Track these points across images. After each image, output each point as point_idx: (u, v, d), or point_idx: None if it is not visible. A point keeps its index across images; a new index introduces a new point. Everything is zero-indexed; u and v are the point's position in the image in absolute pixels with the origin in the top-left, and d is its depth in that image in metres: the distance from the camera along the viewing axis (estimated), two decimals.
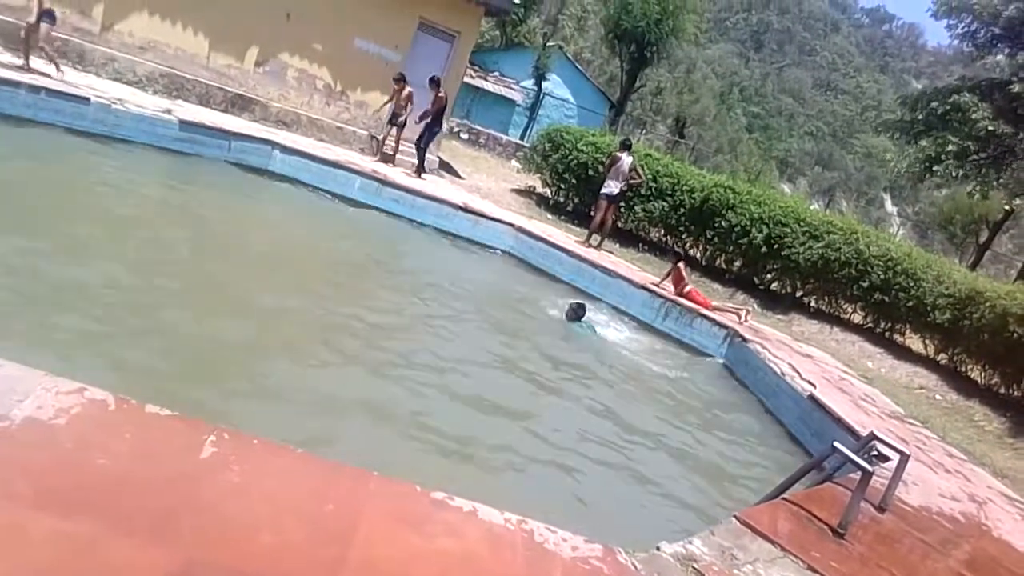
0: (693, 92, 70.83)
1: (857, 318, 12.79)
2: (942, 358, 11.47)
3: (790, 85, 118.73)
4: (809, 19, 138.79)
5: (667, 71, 61.36)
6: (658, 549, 3.02)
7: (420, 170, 13.09)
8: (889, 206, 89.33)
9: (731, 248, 13.47)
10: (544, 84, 33.39)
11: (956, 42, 23.50)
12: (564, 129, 15.98)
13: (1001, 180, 21.77)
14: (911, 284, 11.53)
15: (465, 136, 23.91)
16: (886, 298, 11.77)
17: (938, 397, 10.04)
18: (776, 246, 12.78)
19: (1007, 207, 22.84)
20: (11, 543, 1.86)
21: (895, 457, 4.65)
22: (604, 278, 10.72)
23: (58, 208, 6.60)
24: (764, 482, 5.56)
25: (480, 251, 11.41)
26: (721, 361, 9.45)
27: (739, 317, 10.15)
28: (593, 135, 15.45)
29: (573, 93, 34.38)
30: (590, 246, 12.26)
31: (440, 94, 12.95)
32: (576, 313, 8.51)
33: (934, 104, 22.06)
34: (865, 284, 11.92)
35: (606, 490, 4.92)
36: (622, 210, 13.85)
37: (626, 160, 12.65)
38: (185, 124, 9.96)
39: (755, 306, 12.19)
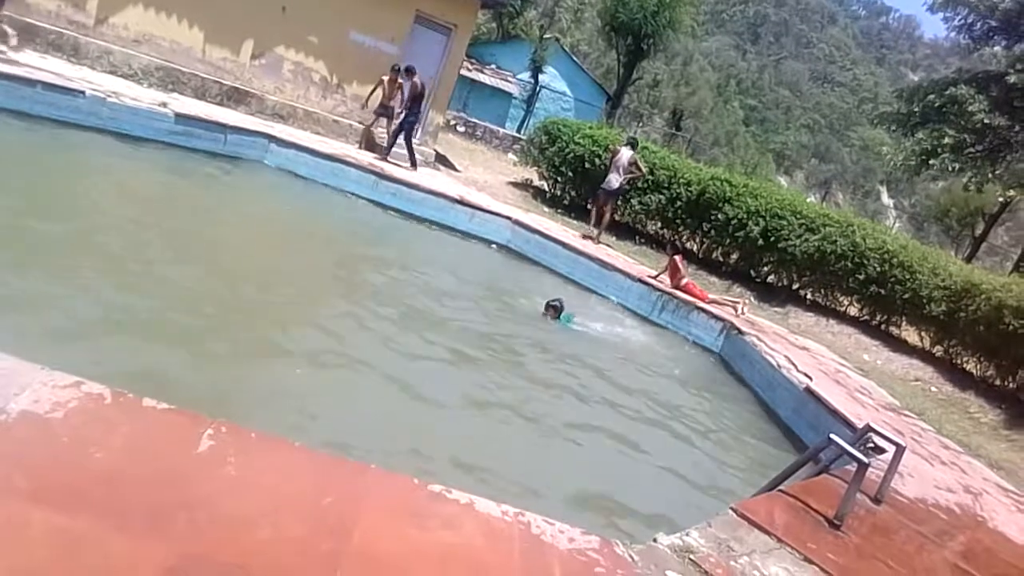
0: (690, 85, 70.78)
1: (853, 310, 12.82)
2: (938, 350, 11.51)
3: (787, 77, 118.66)
4: (806, 11, 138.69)
5: (664, 63, 61.22)
6: (655, 541, 3.03)
7: (413, 162, 13.03)
8: (885, 198, 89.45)
9: (728, 241, 13.48)
10: (541, 77, 33.33)
11: (953, 34, 23.54)
12: (561, 122, 15.96)
13: (997, 173, 21.81)
14: (907, 276, 11.55)
15: (462, 129, 23.87)
16: (882, 291, 11.80)
17: (934, 389, 10.08)
18: (772, 239, 12.79)
19: (1002, 200, 22.87)
20: (7, 537, 1.85)
21: (891, 449, 4.67)
22: (601, 271, 10.72)
23: (51, 201, 6.57)
24: (755, 473, 5.59)
25: (477, 244, 11.39)
26: (717, 353, 9.47)
27: (735, 310, 10.16)
28: (590, 128, 15.43)
29: (570, 86, 34.33)
30: (588, 238, 12.29)
31: (415, 80, 12.89)
32: (556, 312, 8.20)
33: (931, 97, 22.07)
34: (861, 276, 11.95)
35: (596, 481, 4.93)
36: (619, 203, 13.86)
37: (625, 153, 12.71)
38: (181, 117, 9.92)
39: (751, 299, 12.20)
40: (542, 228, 11.70)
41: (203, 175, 9.40)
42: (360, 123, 13.91)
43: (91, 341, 4.27)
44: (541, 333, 7.75)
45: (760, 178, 19.10)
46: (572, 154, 14.76)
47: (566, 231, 12.49)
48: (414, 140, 13.36)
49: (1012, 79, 19.93)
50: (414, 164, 13.03)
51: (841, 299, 12.87)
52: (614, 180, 12.70)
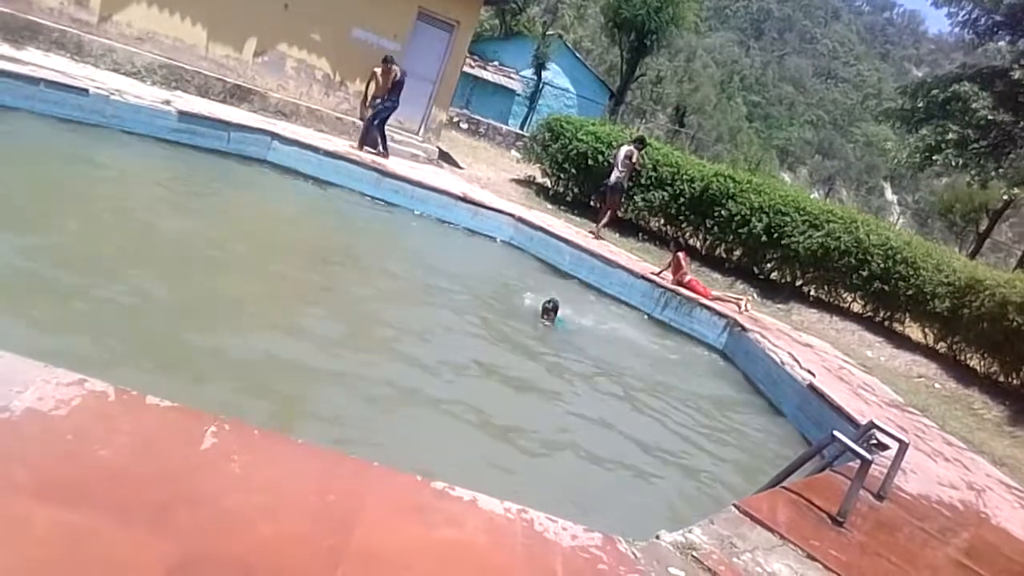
0: (693, 81, 70.71)
1: (857, 307, 12.79)
2: (941, 347, 11.49)
3: (790, 73, 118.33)
4: (809, 7, 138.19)
5: (667, 60, 61.22)
6: (657, 538, 3.04)
7: (384, 150, 12.97)
8: (889, 195, 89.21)
9: (731, 237, 13.46)
10: (544, 73, 33.29)
11: (957, 30, 23.44)
12: (564, 119, 15.94)
13: (1000, 169, 21.74)
14: (911, 273, 11.52)
15: (465, 126, 23.86)
16: (886, 287, 11.77)
17: (937, 386, 10.06)
18: (776, 235, 12.77)
19: (1006, 197, 22.81)
20: (12, 534, 1.86)
21: (894, 446, 4.67)
22: (604, 268, 10.72)
23: (53, 198, 6.58)
24: (756, 470, 5.59)
25: (480, 241, 11.39)
26: (720, 350, 9.46)
27: (739, 307, 10.15)
28: (593, 124, 15.41)
29: (573, 82, 34.28)
30: (592, 234, 12.39)
31: (390, 68, 12.89)
32: (551, 314, 7.87)
33: (934, 92, 22.02)
34: (865, 273, 11.92)
35: (600, 483, 4.93)
36: (622, 199, 13.88)
37: (623, 149, 12.96)
38: (184, 115, 9.93)
39: (755, 295, 12.20)
40: (545, 225, 11.69)
41: (203, 173, 9.40)
42: (362, 120, 13.89)
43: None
44: (537, 333, 7.70)
45: (763, 174, 19.05)
46: (575, 151, 14.74)
47: (569, 228, 12.49)
48: (417, 136, 13.31)
49: (1016, 75, 19.87)
50: (386, 152, 12.94)
51: (844, 296, 12.84)
52: (612, 176, 13.03)
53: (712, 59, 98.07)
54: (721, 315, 9.67)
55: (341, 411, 4.54)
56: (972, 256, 22.17)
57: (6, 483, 2.02)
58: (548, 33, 36.25)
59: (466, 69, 24.81)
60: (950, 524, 4.59)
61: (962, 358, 11.10)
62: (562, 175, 15.66)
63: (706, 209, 13.62)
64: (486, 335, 7.02)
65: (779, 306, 12.32)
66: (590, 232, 12.49)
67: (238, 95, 12.84)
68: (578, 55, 36.87)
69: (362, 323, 6.35)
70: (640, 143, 13.51)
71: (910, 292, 11.51)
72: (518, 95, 32.76)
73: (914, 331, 12.19)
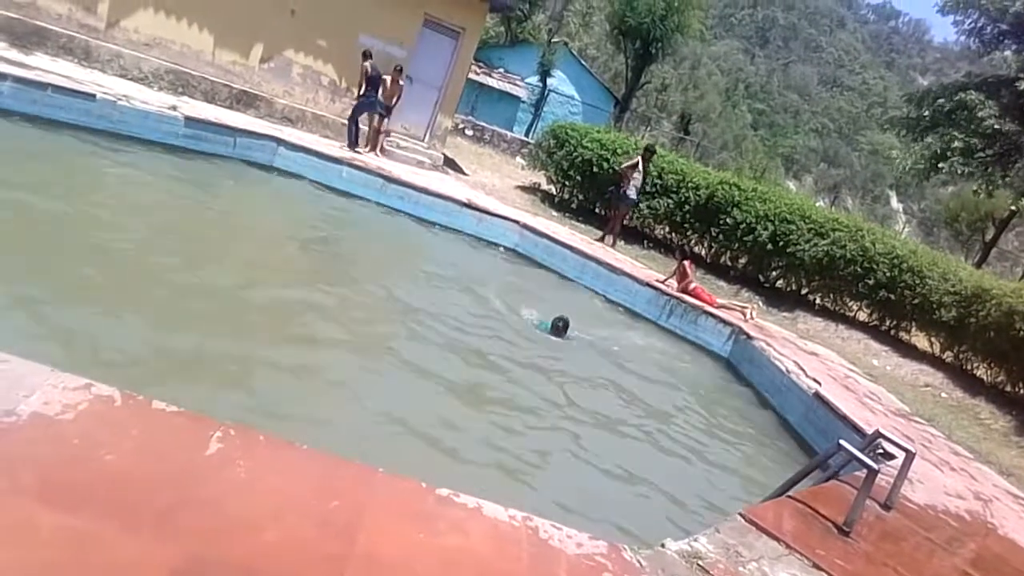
0: (698, 88, 70.75)
1: (862, 316, 12.76)
2: (948, 356, 11.44)
3: (796, 81, 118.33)
4: (815, 15, 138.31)
5: (672, 67, 61.25)
6: (663, 546, 3.02)
7: (356, 144, 13.04)
8: (895, 203, 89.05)
9: (736, 245, 13.44)
10: (549, 80, 33.32)
11: (963, 38, 23.40)
12: (569, 126, 15.95)
13: (1007, 178, 21.70)
14: (917, 282, 11.49)
15: (470, 133, 23.90)
16: (892, 296, 11.74)
17: (944, 395, 10.02)
18: (781, 243, 12.75)
19: (1013, 206, 22.75)
20: (18, 538, 1.86)
21: (900, 455, 4.64)
22: (609, 275, 10.71)
23: (60, 204, 6.61)
24: (762, 478, 5.57)
25: (485, 248, 11.38)
26: (726, 358, 9.44)
27: (744, 315, 10.13)
28: (598, 132, 15.42)
29: (578, 90, 34.30)
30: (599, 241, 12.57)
31: (366, 65, 12.97)
32: (561, 331, 7.66)
33: (940, 101, 21.99)
34: (871, 282, 11.89)
35: (606, 488, 4.92)
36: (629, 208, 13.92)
37: (627, 161, 13.29)
38: (190, 120, 9.97)
39: (760, 303, 12.16)
40: (550, 232, 11.69)
41: (210, 179, 9.42)
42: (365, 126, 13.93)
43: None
44: (543, 348, 7.63)
45: (769, 182, 19.06)
46: (580, 158, 14.75)
47: (574, 235, 12.49)
48: (423, 142, 13.34)
49: (1022, 85, 19.83)
50: (353, 144, 12.99)
51: (850, 304, 12.80)
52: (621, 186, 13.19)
53: (717, 67, 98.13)
54: (726, 323, 9.65)
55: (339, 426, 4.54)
56: (978, 265, 22.11)
57: (12, 487, 2.02)
58: (553, 40, 36.31)
59: (471, 76, 24.87)
60: (957, 534, 4.56)
61: (969, 367, 11.06)
62: (567, 182, 15.66)
63: (711, 217, 13.60)
64: (491, 350, 7.01)
65: (784, 314, 12.29)
66: (598, 240, 12.70)
67: (244, 101, 12.89)
68: (583, 62, 36.91)
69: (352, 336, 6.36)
70: (648, 152, 13.49)
71: (916, 301, 11.48)
72: (523, 102, 32.80)
73: (920, 340, 12.15)
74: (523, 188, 16.81)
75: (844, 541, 3.72)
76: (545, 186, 16.79)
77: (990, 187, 22.13)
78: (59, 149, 8.02)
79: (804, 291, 13.22)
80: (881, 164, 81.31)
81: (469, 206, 11.69)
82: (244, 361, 4.82)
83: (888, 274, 11.72)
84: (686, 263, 10.60)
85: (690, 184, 13.84)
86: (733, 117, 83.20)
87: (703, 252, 14.26)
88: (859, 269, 11.99)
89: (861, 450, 4.09)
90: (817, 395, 7.19)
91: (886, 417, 7.24)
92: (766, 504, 4.09)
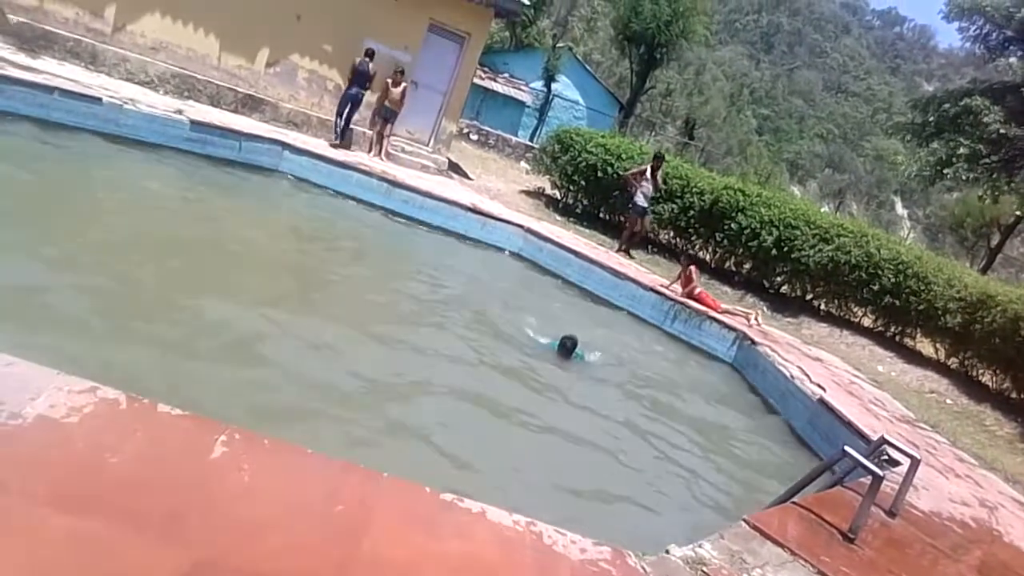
0: (703, 94, 70.69)
1: (867, 321, 12.73)
2: (953, 362, 11.41)
3: (800, 87, 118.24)
4: (820, 21, 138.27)
5: (677, 73, 61.25)
6: (667, 552, 3.02)
7: (341, 138, 13.05)
8: (900, 209, 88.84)
9: (741, 250, 13.43)
10: (554, 86, 33.38)
11: (968, 44, 23.41)
12: (573, 131, 15.96)
13: (1012, 184, 21.67)
14: (922, 287, 11.46)
15: (474, 137, 23.92)
16: (897, 301, 11.71)
17: (949, 401, 9.99)
18: (786, 249, 12.73)
19: (1018, 212, 22.71)
20: (24, 540, 1.87)
21: (905, 462, 4.63)
22: (613, 280, 10.70)
23: (67, 207, 6.63)
24: (766, 484, 5.55)
25: (489, 252, 11.38)
26: (730, 363, 9.42)
27: (748, 320, 10.12)
28: (603, 137, 15.43)
29: (583, 95, 34.35)
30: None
31: (356, 59, 13.14)
32: (570, 349, 7.23)
33: (945, 107, 21.97)
34: (875, 287, 11.86)
35: (605, 492, 4.91)
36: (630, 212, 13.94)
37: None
38: (196, 124, 10.00)
39: (764, 309, 12.15)
40: (554, 237, 11.69)
41: (217, 182, 9.45)
42: (371, 130, 13.95)
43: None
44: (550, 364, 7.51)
45: (773, 188, 19.03)
46: (584, 163, 14.75)
47: (578, 240, 12.49)
48: (427, 147, 13.35)
49: None
50: (339, 139, 13.03)
51: (855, 310, 12.77)
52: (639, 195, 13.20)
53: (722, 72, 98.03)
54: (731, 328, 9.63)
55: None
56: (983, 271, 22.06)
57: (19, 490, 2.02)
58: (558, 45, 36.38)
59: (476, 81, 24.88)
60: (962, 541, 4.54)
61: (974, 374, 11.02)
62: (571, 187, 15.67)
63: (716, 222, 13.59)
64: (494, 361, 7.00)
65: (789, 320, 12.27)
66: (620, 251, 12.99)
67: (250, 105, 12.92)
68: (588, 67, 36.97)
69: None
70: (657, 159, 13.42)
71: (921, 307, 11.45)
72: (528, 107, 32.85)
73: (925, 346, 12.12)
74: (527, 193, 16.82)
75: (849, 548, 3.71)
76: (549, 191, 16.80)
77: (995, 193, 22.10)
78: (65, 152, 8.04)
79: (809, 297, 13.20)
80: (886, 170, 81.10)
81: (473, 210, 11.70)
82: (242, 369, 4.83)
83: (893, 280, 11.69)
84: (692, 268, 10.59)
85: (694, 189, 13.83)
86: (738, 122, 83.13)
87: (707, 257, 14.25)
88: (864, 275, 11.97)
89: (866, 456, 4.08)
90: (822, 401, 7.17)
91: (891, 423, 7.22)
92: (770, 510, 4.08)
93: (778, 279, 13.53)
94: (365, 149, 13.51)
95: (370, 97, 13.55)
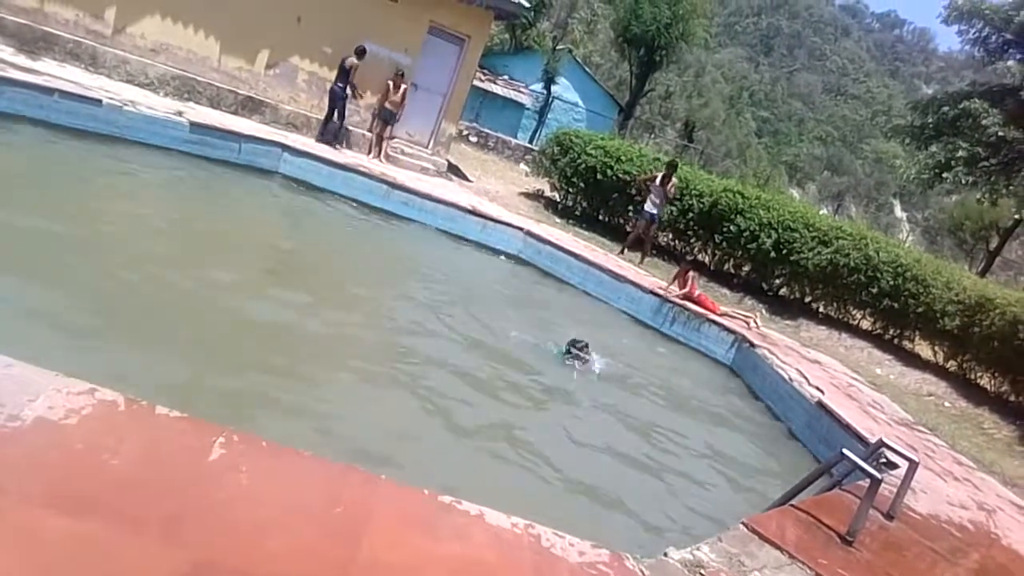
0: (702, 96, 70.65)
1: (866, 324, 12.74)
2: (951, 365, 11.42)
3: (800, 89, 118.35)
4: (819, 23, 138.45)
5: (676, 75, 61.19)
6: (665, 555, 3.02)
7: (321, 135, 13.04)
8: (899, 211, 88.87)
9: (740, 253, 13.44)
10: (553, 88, 33.39)
11: (967, 47, 23.36)
12: (573, 133, 15.99)
13: (1011, 187, 21.68)
14: (920, 290, 11.47)
15: (474, 139, 23.95)
16: (895, 304, 11.72)
17: (947, 404, 9.99)
18: (785, 251, 12.74)
19: (1017, 215, 22.73)
20: (22, 542, 1.87)
21: (904, 464, 4.64)
22: (613, 282, 10.70)
23: (64, 207, 6.63)
24: (764, 487, 5.55)
25: (488, 255, 11.38)
26: (729, 366, 9.42)
27: (747, 323, 10.12)
28: (602, 139, 15.45)
29: (582, 97, 34.36)
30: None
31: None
32: (580, 355, 7.08)
33: (944, 109, 21.97)
34: (874, 290, 11.88)
35: (602, 496, 4.91)
36: (629, 214, 13.96)
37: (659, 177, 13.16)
38: (195, 126, 10.00)
39: (763, 311, 12.15)
40: (554, 239, 11.69)
41: (215, 184, 9.45)
42: (371, 132, 13.96)
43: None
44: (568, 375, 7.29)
45: (772, 190, 19.04)
46: (584, 165, 14.77)
47: (578, 242, 12.49)
48: (427, 149, 13.35)
49: None
50: (322, 135, 13.02)
51: (854, 312, 12.79)
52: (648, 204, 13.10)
53: (721, 75, 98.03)
54: (729, 331, 9.64)
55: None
56: (982, 274, 22.09)
57: (18, 492, 2.03)
58: (558, 48, 36.37)
59: (476, 83, 24.90)
60: (960, 545, 4.54)
61: (972, 377, 11.04)
62: (571, 189, 15.69)
63: (715, 224, 13.60)
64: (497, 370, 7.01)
65: (788, 322, 12.28)
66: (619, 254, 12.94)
67: (250, 107, 12.93)
68: (587, 70, 36.97)
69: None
70: (670, 167, 13.24)
71: (920, 310, 11.46)
72: (527, 109, 32.86)
73: (924, 349, 12.13)
74: (527, 195, 16.84)
75: (847, 551, 3.71)
76: (549, 193, 16.82)
77: (994, 196, 22.12)
78: (64, 154, 8.05)
79: (807, 299, 13.22)
80: (885, 172, 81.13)
81: (473, 212, 11.70)
82: (238, 377, 4.83)
83: (892, 283, 11.70)
84: (690, 272, 10.57)
85: (694, 192, 13.84)
86: (737, 125, 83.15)
87: (707, 260, 14.26)
88: (863, 278, 11.98)
89: (864, 459, 4.09)
90: (820, 404, 7.18)
91: (889, 426, 7.23)
92: (769, 513, 4.08)
93: (777, 281, 13.55)
94: (364, 151, 13.51)
95: (371, 99, 13.56)
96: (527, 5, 16.82)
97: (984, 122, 20.56)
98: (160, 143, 9.55)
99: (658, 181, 12.91)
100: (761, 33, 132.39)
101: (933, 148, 22.62)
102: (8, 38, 10.63)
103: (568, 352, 7.13)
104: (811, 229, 12.73)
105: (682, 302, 10.19)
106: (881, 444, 4.74)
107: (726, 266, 14.05)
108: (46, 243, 5.47)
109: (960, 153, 21.18)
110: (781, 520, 3.85)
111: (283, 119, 13.28)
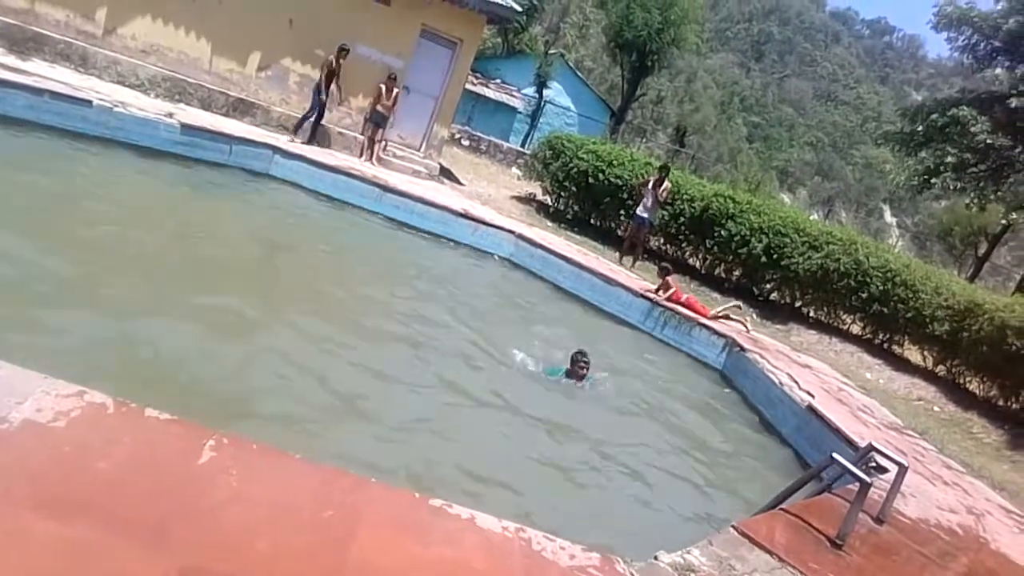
0: (694, 101, 71.01)
1: (856, 329, 12.79)
2: (941, 370, 11.47)
3: (790, 95, 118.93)
4: (810, 30, 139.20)
5: (668, 80, 61.56)
6: (656, 559, 3.02)
7: (298, 130, 12.96)
8: (888, 217, 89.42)
9: (730, 257, 13.48)
10: (545, 92, 33.45)
11: (956, 54, 23.58)
12: (565, 137, 16.02)
13: (999, 193, 21.87)
14: (910, 295, 11.52)
15: (466, 143, 23.95)
16: (885, 309, 11.77)
17: (936, 409, 10.04)
18: (775, 256, 12.79)
19: (1005, 221, 22.90)
20: (9, 547, 1.85)
21: (893, 468, 4.65)
22: (604, 286, 10.71)
23: (55, 210, 6.60)
24: (753, 491, 5.56)
25: (480, 258, 11.37)
26: (719, 370, 9.44)
27: (745, 326, 10.17)
28: (594, 143, 15.48)
29: (574, 101, 34.44)
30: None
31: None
32: (582, 368, 6.73)
33: (934, 116, 22.13)
34: (864, 295, 11.92)
35: (598, 500, 4.91)
36: (621, 218, 13.95)
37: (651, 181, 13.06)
38: (186, 128, 9.97)
39: (754, 316, 12.18)
40: (545, 242, 11.70)
41: (205, 186, 9.40)
42: (363, 135, 13.95)
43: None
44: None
45: (763, 195, 19.14)
46: (576, 169, 14.80)
47: (569, 246, 12.49)
48: (419, 152, 13.34)
49: (1015, 102, 20.00)
50: (296, 131, 12.94)
51: (844, 317, 12.83)
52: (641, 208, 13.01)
53: (713, 80, 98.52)
54: (720, 335, 9.66)
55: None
56: (971, 279, 22.22)
57: (5, 495, 2.01)
58: (550, 52, 36.43)
59: (468, 86, 24.93)
60: (949, 548, 4.56)
61: (961, 381, 11.09)
62: (563, 193, 15.71)
63: (706, 229, 13.64)
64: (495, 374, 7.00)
65: (778, 327, 12.32)
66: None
67: (241, 109, 12.91)
68: (579, 74, 37.07)
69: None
70: (661, 171, 13.16)
71: (909, 315, 11.51)
72: (519, 113, 32.90)
73: (913, 354, 12.18)
74: (519, 199, 16.85)
75: (837, 554, 3.72)
76: (541, 197, 16.84)
77: (983, 201, 22.32)
78: (54, 155, 8.00)
79: (798, 304, 13.26)
80: (875, 178, 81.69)
81: (465, 216, 11.70)
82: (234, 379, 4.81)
83: (881, 288, 11.75)
84: (669, 278, 10.56)
85: (685, 196, 13.88)
86: (728, 130, 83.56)
87: (697, 264, 14.30)
88: (853, 282, 12.03)
89: (854, 463, 4.10)
90: (810, 408, 7.20)
91: (879, 430, 7.25)
92: (759, 517, 4.09)
93: (767, 286, 13.59)
94: (356, 154, 13.50)
95: (362, 102, 13.55)
96: (519, 9, 16.87)
97: (972, 129, 20.73)
98: (151, 144, 9.51)
99: (650, 184, 12.87)
100: (752, 39, 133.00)
101: (922, 154, 22.81)
102: None
103: (571, 367, 6.80)
104: (801, 234, 12.78)
105: (672, 306, 10.21)
106: (871, 448, 4.76)
107: (717, 271, 14.09)
108: (27, 250, 5.44)
109: (949, 159, 21.36)
110: (771, 524, 3.86)
111: (274, 121, 13.26)
